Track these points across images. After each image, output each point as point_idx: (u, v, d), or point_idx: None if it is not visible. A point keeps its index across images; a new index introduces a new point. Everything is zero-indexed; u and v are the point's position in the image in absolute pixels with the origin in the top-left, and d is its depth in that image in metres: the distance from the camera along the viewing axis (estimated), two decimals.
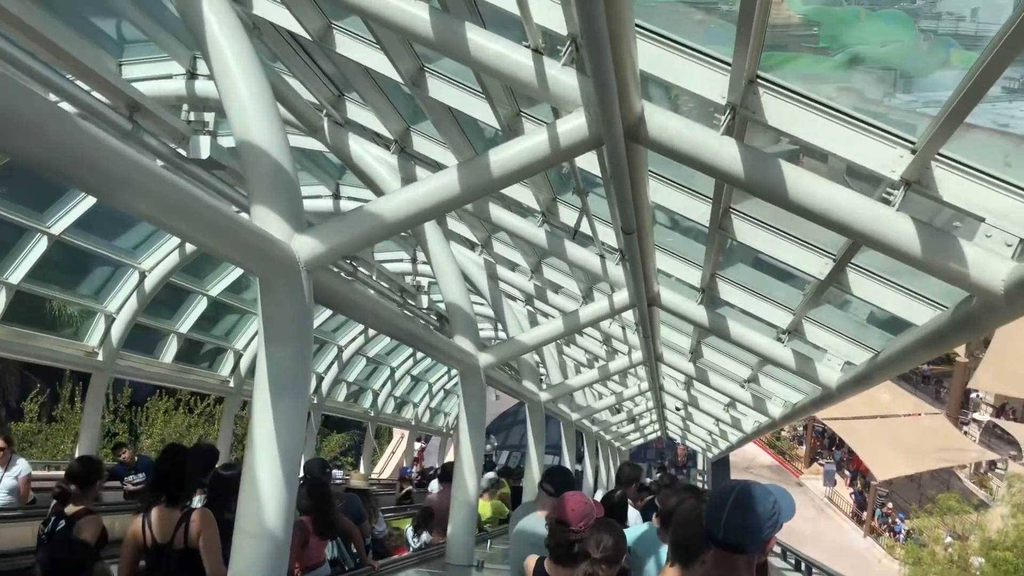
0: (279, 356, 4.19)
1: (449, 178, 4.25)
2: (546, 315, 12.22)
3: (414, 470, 23.04)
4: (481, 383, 8.08)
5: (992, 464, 36.49)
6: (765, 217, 5.54)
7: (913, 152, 3.59)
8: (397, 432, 34.14)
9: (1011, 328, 26.42)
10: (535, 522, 4.93)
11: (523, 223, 7.58)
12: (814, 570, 12.38)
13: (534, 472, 12.38)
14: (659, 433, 23.51)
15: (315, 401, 17.90)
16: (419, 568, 7.13)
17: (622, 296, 7.74)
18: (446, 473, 10.16)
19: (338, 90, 7.14)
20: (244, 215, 4.49)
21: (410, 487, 17.59)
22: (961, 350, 38.26)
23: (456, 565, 7.12)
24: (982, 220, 3.74)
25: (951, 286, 4.02)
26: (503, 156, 4.17)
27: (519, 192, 7.24)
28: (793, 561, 12.70)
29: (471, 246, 10.06)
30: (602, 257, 7.60)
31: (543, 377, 14.61)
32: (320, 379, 18.17)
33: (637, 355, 10.91)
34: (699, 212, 5.51)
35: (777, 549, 12.60)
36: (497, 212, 7.55)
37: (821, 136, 3.83)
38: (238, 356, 14.63)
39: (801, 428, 40.00)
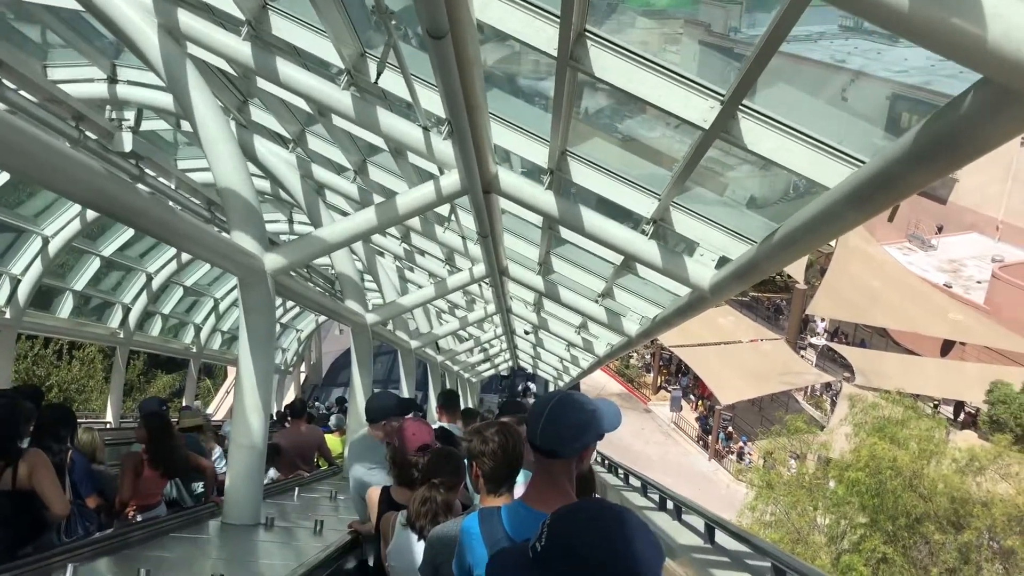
0: (256, 331, 6.82)
1: (369, 215, 6.98)
2: (412, 269, 14.88)
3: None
4: (369, 337, 10.79)
5: (827, 386, 42.12)
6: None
7: (722, 103, 4.39)
8: (232, 371, 33.27)
9: (844, 257, 30.89)
10: (370, 443, 6.03)
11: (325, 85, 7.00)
12: (649, 488, 15.48)
13: (358, 405, 11.45)
14: (510, 363, 25.73)
15: (121, 335, 17.12)
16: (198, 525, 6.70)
17: (480, 268, 10.64)
18: (295, 410, 11.11)
19: (243, 96, 9.50)
20: (225, 235, 6.93)
21: None
22: (800, 277, 43.71)
23: (235, 525, 6.61)
24: (697, 244, 6.85)
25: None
26: (405, 200, 6.94)
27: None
28: (623, 475, 15.62)
29: (282, 142, 10.32)
30: (463, 238, 10.42)
31: (412, 324, 17.18)
32: (127, 311, 17.03)
33: (492, 307, 13.95)
34: (536, 218, 8.47)
35: (613, 470, 15.55)
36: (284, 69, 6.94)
37: (607, 190, 6.78)
38: (127, 310, 16.73)
39: (648, 356, 44.73)
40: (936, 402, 36.41)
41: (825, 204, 4.01)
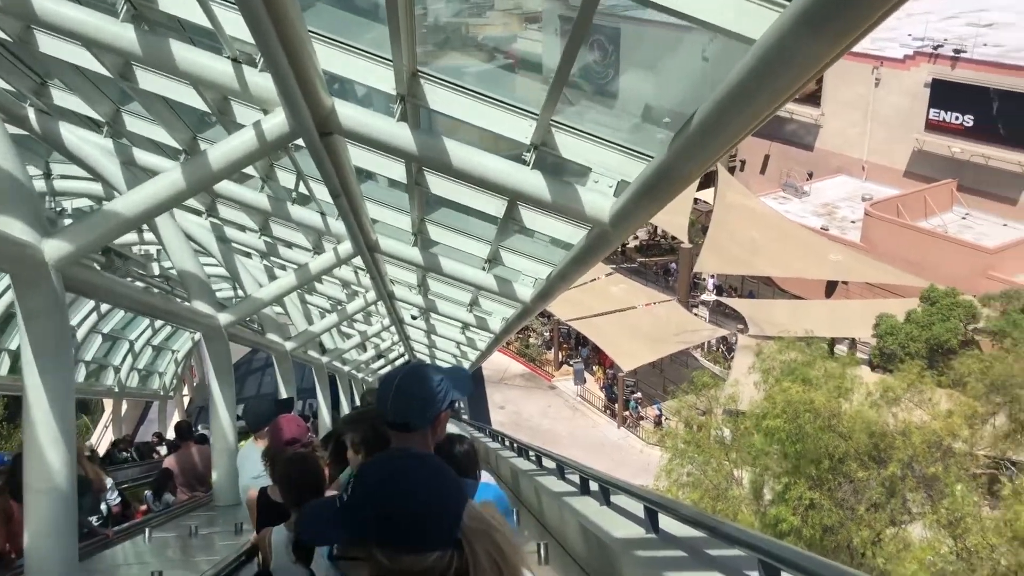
0: (42, 342, 5.16)
1: (174, 176, 5.36)
2: (284, 268, 13.30)
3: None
4: (224, 342, 9.16)
5: (723, 340, 42.15)
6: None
7: (536, 120, 5.20)
8: (109, 402, 32.44)
9: (724, 213, 30.57)
10: (253, 452, 5.81)
11: (243, 190, 8.55)
12: (566, 469, 14.44)
13: (221, 420, 10.57)
14: (405, 356, 24.86)
15: None
16: (192, 514, 7.99)
17: (346, 247, 9.11)
18: (181, 431, 10.99)
19: (41, 79, 7.72)
20: None
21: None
22: (684, 237, 43.49)
23: (226, 506, 7.90)
24: (590, 170, 5.51)
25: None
26: (219, 153, 5.35)
27: None
28: (535, 457, 14.61)
29: (197, 212, 10.62)
30: (323, 214, 8.88)
31: (291, 327, 15.66)
32: None
33: (372, 295, 12.42)
34: (397, 171, 6.97)
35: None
36: (220, 183, 8.28)
37: (472, 115, 5.37)
38: None
39: (548, 333, 43.80)
40: (831, 342, 36.60)
41: (729, 88, 3.13)
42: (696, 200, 46.16)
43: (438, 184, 7.06)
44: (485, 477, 4.55)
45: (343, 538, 1.72)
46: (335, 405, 21.18)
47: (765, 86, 2.98)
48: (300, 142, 6.17)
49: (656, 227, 50.39)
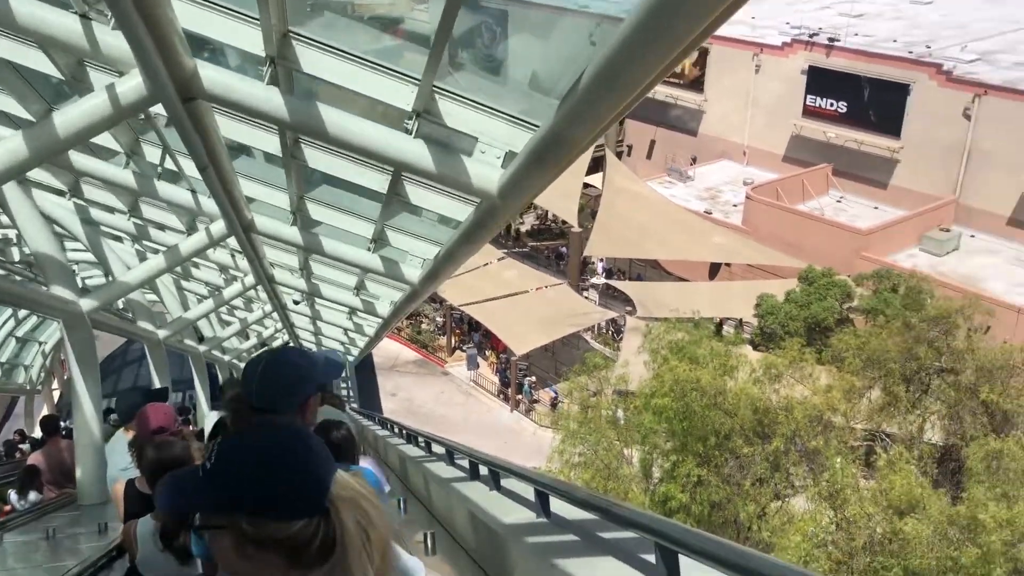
0: None
1: (16, 143, 4.79)
2: (158, 252, 12.52)
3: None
4: (87, 329, 8.48)
5: (612, 322, 42.64)
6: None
7: (417, 86, 4.89)
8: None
9: (611, 198, 30.80)
10: (120, 444, 5.54)
11: (107, 167, 7.91)
12: (456, 454, 14.18)
13: (85, 414, 11.32)
14: (290, 344, 24.17)
15: None
16: (54, 515, 7.43)
17: (219, 226, 8.55)
18: (47, 427, 10.41)
19: None
20: None
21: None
22: (574, 222, 43.76)
23: (91, 505, 7.44)
24: (476, 139, 5.22)
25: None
26: (67, 119, 4.81)
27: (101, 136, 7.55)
28: (424, 443, 14.29)
29: (59, 192, 9.92)
30: (193, 192, 8.30)
31: (166, 315, 14.85)
32: None
33: (251, 279, 11.82)
34: (272, 143, 6.51)
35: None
36: (80, 159, 7.76)
37: (349, 79, 5.00)
38: None
39: (440, 319, 43.43)
40: (718, 322, 37.50)
41: (613, 51, 3.01)
42: (585, 185, 46.49)
43: (316, 158, 6.64)
44: (366, 463, 4.44)
45: (205, 508, 1.67)
46: (216, 396, 20.35)
47: (641, 55, 2.94)
48: (163, 111, 5.68)
49: (547, 212, 50.65)
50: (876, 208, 42.81)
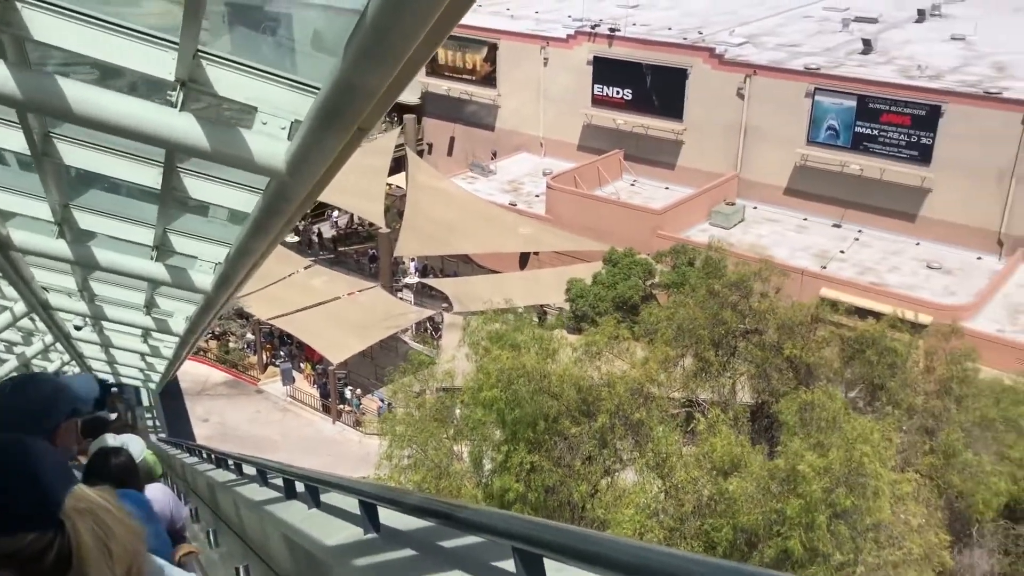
0: None
1: None
2: None
3: None
4: None
5: (430, 320, 42.19)
6: (90, 135, 5.73)
7: (177, 51, 4.13)
8: None
9: (416, 196, 30.31)
10: None
11: None
12: (269, 473, 13.22)
13: None
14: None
15: None
16: None
17: None
18: None
19: None
20: None
21: None
22: (381, 223, 42.94)
23: None
24: (255, 109, 4.51)
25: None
26: None
27: None
28: (234, 465, 13.27)
29: None
30: None
31: None
32: None
33: (22, 306, 10.38)
34: (15, 141, 5.48)
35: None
36: None
37: (91, 46, 4.16)
38: None
39: (250, 335, 41.39)
40: (540, 310, 37.90)
41: None
42: (389, 185, 45.85)
43: (73, 154, 5.67)
44: (153, 491, 4.16)
45: None
46: None
47: None
48: None
49: (353, 215, 49.54)
50: (667, 188, 44.67)
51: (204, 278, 7.63)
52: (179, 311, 10.18)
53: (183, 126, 4.31)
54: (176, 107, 4.30)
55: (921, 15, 50.44)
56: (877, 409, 18.16)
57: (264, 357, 40.53)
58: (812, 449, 15.00)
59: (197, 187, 5.94)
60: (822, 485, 14.44)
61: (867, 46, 43.46)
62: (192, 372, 37.04)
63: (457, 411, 21.24)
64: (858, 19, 49.28)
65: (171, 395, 29.68)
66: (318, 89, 4.23)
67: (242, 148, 4.40)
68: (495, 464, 18.70)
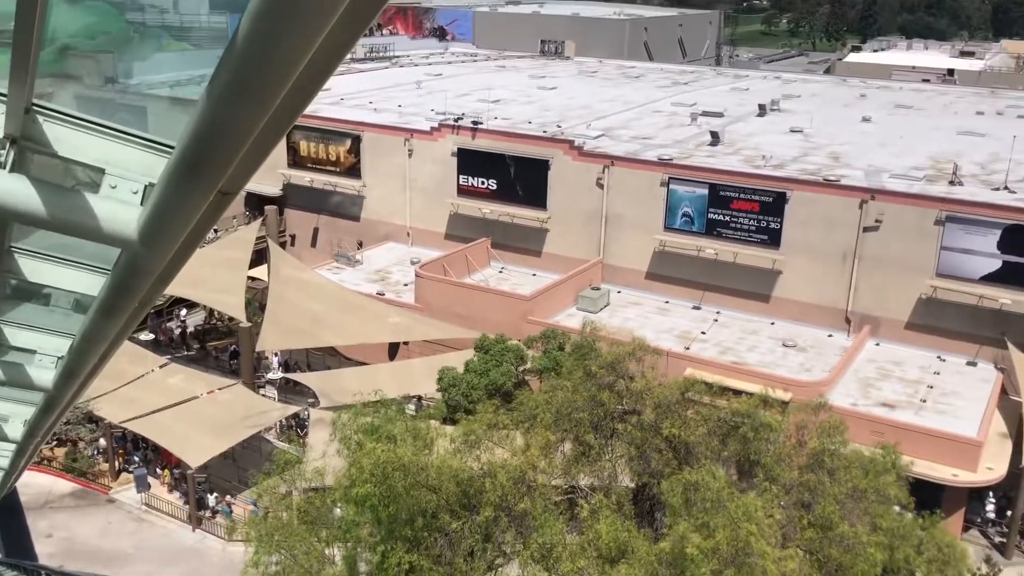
0: None
1: None
2: None
3: None
4: None
5: (295, 416, 40.39)
6: None
7: (4, 103, 3.54)
8: None
9: (279, 288, 29.13)
10: None
11: None
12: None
13: None
14: None
15: None
16: None
17: None
18: None
19: None
20: None
21: None
22: (242, 316, 41.22)
23: None
24: (103, 171, 3.91)
25: (110, 247, 4.15)
26: None
27: None
28: None
29: None
30: None
31: None
32: None
33: None
34: None
35: None
36: None
37: None
38: None
39: (102, 440, 38.43)
40: (417, 401, 36.95)
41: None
42: (250, 278, 44.30)
43: None
44: None
45: None
46: None
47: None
48: None
49: (212, 310, 47.53)
50: (535, 275, 45.08)
51: (45, 374, 6.72)
52: (15, 414, 9.04)
53: (16, 189, 3.67)
54: (5, 167, 3.66)
55: (762, 109, 53.90)
56: (755, 485, 18.23)
57: (117, 463, 37.63)
58: (698, 530, 14.77)
59: (34, 268, 5.20)
60: (711, 567, 14.17)
61: (715, 138, 45.77)
62: (34, 482, 33.95)
63: (338, 510, 20.01)
64: (705, 113, 52.16)
65: (8, 511, 26.85)
66: (173, 148, 3.69)
67: (87, 215, 3.79)
68: (371, 567, 17.56)
